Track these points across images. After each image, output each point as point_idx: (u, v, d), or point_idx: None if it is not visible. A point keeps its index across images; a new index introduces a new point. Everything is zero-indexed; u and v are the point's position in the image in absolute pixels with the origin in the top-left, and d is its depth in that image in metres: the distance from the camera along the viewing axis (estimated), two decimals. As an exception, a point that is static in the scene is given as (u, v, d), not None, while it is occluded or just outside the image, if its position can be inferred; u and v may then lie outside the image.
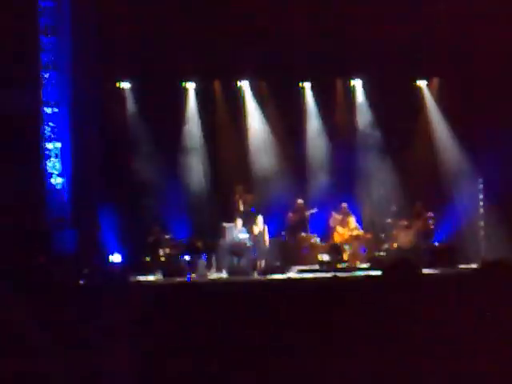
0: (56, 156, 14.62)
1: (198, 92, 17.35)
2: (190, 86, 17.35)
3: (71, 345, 6.09)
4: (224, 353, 6.15)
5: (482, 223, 16.71)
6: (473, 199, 16.80)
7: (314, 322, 5.84)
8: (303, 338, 5.56)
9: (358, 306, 5.37)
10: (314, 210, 16.76)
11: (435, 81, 18.06)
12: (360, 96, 17.93)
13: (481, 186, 16.77)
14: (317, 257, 15.87)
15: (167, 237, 15.76)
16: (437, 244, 16.34)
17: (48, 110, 14.61)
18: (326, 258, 15.71)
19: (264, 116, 17.65)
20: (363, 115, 17.91)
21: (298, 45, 16.31)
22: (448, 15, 16.20)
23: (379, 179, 17.50)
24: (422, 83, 18.11)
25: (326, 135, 17.70)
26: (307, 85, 17.82)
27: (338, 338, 4.30)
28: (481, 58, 16.14)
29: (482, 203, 16.78)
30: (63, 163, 14.64)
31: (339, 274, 14.26)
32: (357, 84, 17.96)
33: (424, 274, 4.01)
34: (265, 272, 15.08)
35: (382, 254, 16.04)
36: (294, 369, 5.28)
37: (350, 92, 17.97)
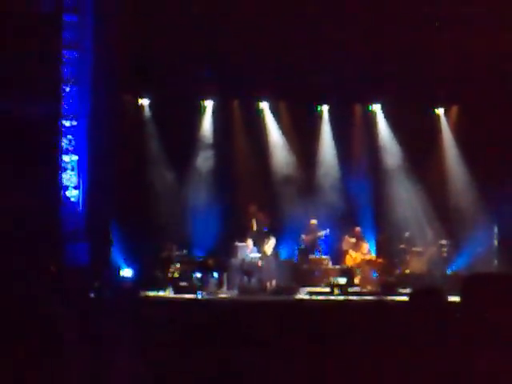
0: (72, 169, 14.71)
1: (215, 110, 17.45)
2: (209, 104, 17.46)
3: (78, 356, 6.09)
4: (232, 370, 6.15)
5: (495, 262, 16.45)
6: (487, 238, 16.56)
7: (322, 346, 5.83)
8: (308, 359, 5.56)
9: (373, 331, 5.35)
10: (327, 232, 16.75)
11: (454, 109, 18.05)
12: (381, 120, 17.95)
13: (495, 230, 16.52)
14: (328, 279, 15.84)
15: (179, 253, 15.78)
16: (449, 272, 16.26)
17: (67, 123, 14.71)
18: (339, 281, 15.64)
19: (283, 136, 17.72)
20: (383, 139, 17.91)
21: (320, 68, 16.35)
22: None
23: (394, 205, 17.48)
24: (440, 111, 18.10)
25: (341, 159, 17.71)
26: (325, 108, 17.88)
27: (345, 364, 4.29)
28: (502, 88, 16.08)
29: (496, 245, 16.51)
30: (79, 176, 14.72)
31: (350, 298, 14.22)
32: (376, 109, 17.99)
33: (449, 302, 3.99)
34: (275, 292, 15.05)
35: (392, 279, 15.95)
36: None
37: (370, 116, 17.99)
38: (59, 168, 14.63)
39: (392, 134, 17.83)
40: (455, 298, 5.11)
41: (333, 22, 15.79)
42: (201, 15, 15.52)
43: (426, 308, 3.91)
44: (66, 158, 14.70)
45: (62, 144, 14.68)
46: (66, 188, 14.66)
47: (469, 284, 4.04)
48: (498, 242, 16.28)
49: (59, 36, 14.60)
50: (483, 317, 3.75)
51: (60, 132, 14.65)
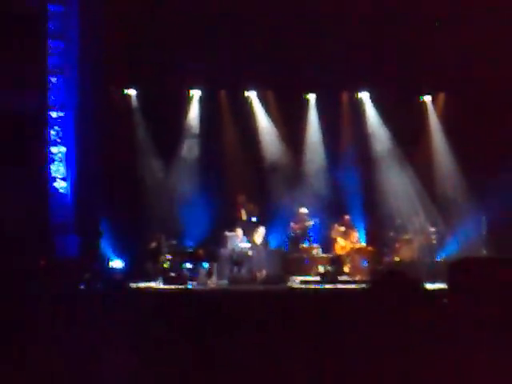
0: (60, 160, 14.64)
1: (203, 100, 17.40)
2: (196, 94, 17.41)
3: (68, 349, 6.08)
4: (221, 361, 6.15)
5: (484, 249, 16.45)
6: (476, 225, 16.55)
7: (311, 334, 5.83)
8: (299, 348, 5.56)
9: (352, 318, 5.36)
10: (316, 221, 16.74)
11: (441, 96, 18.07)
12: (369, 108, 17.94)
13: (483, 217, 16.50)
14: (319, 268, 15.86)
15: (169, 244, 15.76)
16: (439, 259, 16.30)
17: (54, 114, 14.63)
18: (327, 269, 15.69)
19: (272, 125, 17.70)
20: (371, 127, 17.92)
21: (306, 57, 16.33)
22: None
23: (383, 192, 17.51)
24: (427, 98, 18.11)
25: (330, 147, 17.71)
26: (312, 96, 17.86)
27: (333, 351, 4.29)
28: (488, 76, 16.09)
29: (484, 231, 16.48)
30: (67, 167, 14.66)
31: (340, 286, 14.25)
32: (364, 96, 17.98)
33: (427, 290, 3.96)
34: (265, 282, 15.07)
35: (382, 267, 15.99)
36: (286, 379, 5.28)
37: (358, 104, 17.99)
38: (47, 159, 14.56)
39: (380, 122, 17.83)
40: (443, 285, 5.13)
41: (319, 11, 15.77)
42: (187, 5, 15.48)
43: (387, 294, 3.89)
44: (53, 149, 14.63)
45: (50, 135, 14.61)
46: (55, 180, 14.59)
47: (455, 268, 4.05)
48: (487, 229, 16.30)
49: (45, 26, 14.50)
50: (470, 301, 3.76)
51: (47, 123, 14.58)
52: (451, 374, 3.54)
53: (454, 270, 4.02)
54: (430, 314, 3.80)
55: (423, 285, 3.98)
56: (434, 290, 4.96)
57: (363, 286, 14.53)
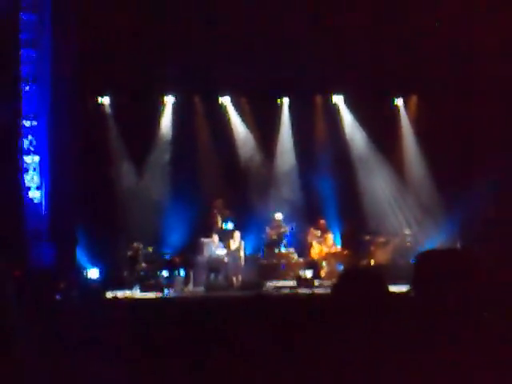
0: (34, 169, 14.57)
1: (176, 106, 17.40)
2: (169, 100, 17.40)
3: (46, 358, 6.06)
4: (201, 368, 6.16)
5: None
6: (450, 227, 16.65)
7: (288, 340, 5.87)
8: (277, 354, 5.59)
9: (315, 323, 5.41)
10: (292, 227, 16.78)
11: (413, 98, 18.20)
12: (344, 111, 18.02)
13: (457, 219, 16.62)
14: (295, 273, 15.90)
15: (145, 251, 15.73)
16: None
17: (27, 123, 14.55)
18: (306, 274, 15.71)
19: (246, 131, 17.74)
20: (346, 130, 18.00)
21: (279, 61, 16.38)
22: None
23: (358, 196, 17.60)
24: (399, 101, 18.24)
25: (304, 151, 17.77)
26: (285, 100, 17.92)
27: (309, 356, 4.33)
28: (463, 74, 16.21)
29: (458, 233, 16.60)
30: (41, 177, 14.58)
31: (316, 291, 14.29)
32: (339, 100, 18.06)
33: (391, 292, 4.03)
34: (241, 288, 15.09)
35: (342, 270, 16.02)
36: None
37: (332, 108, 18.07)
38: (20, 169, 14.48)
39: (355, 125, 17.94)
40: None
41: (293, 16, 15.84)
42: (160, 12, 15.49)
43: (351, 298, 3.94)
44: (27, 158, 14.54)
45: (23, 144, 14.53)
46: (29, 189, 14.51)
47: (420, 261, 4.15)
48: (460, 231, 16.44)
49: (16, 35, 14.43)
50: (435, 292, 3.84)
51: (20, 132, 14.50)
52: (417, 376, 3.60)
53: (419, 263, 4.12)
54: (394, 315, 3.86)
55: (386, 286, 4.04)
56: (400, 292, 5.03)
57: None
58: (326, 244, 16.58)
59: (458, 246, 16.17)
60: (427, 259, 4.12)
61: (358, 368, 3.60)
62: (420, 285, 3.96)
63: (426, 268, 4.00)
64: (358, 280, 3.96)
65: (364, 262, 16.37)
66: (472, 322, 3.69)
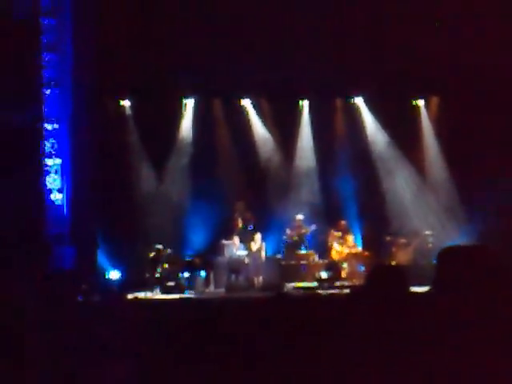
0: (56, 172, 14.68)
1: (196, 109, 17.44)
2: (190, 103, 17.45)
3: (67, 360, 6.10)
4: (220, 369, 6.17)
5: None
6: (471, 228, 16.54)
7: (307, 341, 5.87)
8: (296, 354, 5.60)
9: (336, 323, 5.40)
10: (314, 227, 16.77)
11: (434, 100, 18.12)
12: (365, 113, 17.99)
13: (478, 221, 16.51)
14: (316, 274, 15.89)
15: (166, 253, 15.78)
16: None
17: (49, 127, 14.68)
18: (324, 275, 15.71)
19: (267, 133, 17.76)
20: (366, 132, 17.97)
21: (300, 64, 16.38)
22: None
23: (379, 197, 17.55)
24: (420, 102, 18.17)
25: (324, 152, 17.75)
26: (305, 103, 17.92)
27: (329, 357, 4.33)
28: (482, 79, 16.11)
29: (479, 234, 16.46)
30: (63, 179, 14.69)
31: (337, 292, 14.27)
32: (359, 102, 18.03)
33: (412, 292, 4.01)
34: (262, 289, 15.09)
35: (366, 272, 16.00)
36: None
37: (352, 110, 18.04)
38: (42, 172, 14.60)
39: (375, 127, 17.89)
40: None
41: (311, 18, 15.83)
42: (181, 15, 15.54)
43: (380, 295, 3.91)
44: (49, 161, 14.66)
45: (45, 147, 14.65)
46: (51, 192, 14.62)
47: (443, 257, 4.11)
48: (481, 232, 16.33)
49: (37, 39, 14.56)
50: (457, 290, 3.81)
51: (42, 135, 14.62)
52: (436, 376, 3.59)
53: (442, 259, 4.09)
54: (415, 315, 3.85)
55: (407, 287, 4.02)
56: (421, 292, 5.01)
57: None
58: (346, 245, 16.56)
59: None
60: (451, 255, 4.07)
61: (374, 366, 3.61)
62: (442, 281, 3.93)
63: (450, 264, 3.96)
64: (387, 276, 3.94)
65: (385, 264, 16.30)
66: (498, 320, 3.65)
